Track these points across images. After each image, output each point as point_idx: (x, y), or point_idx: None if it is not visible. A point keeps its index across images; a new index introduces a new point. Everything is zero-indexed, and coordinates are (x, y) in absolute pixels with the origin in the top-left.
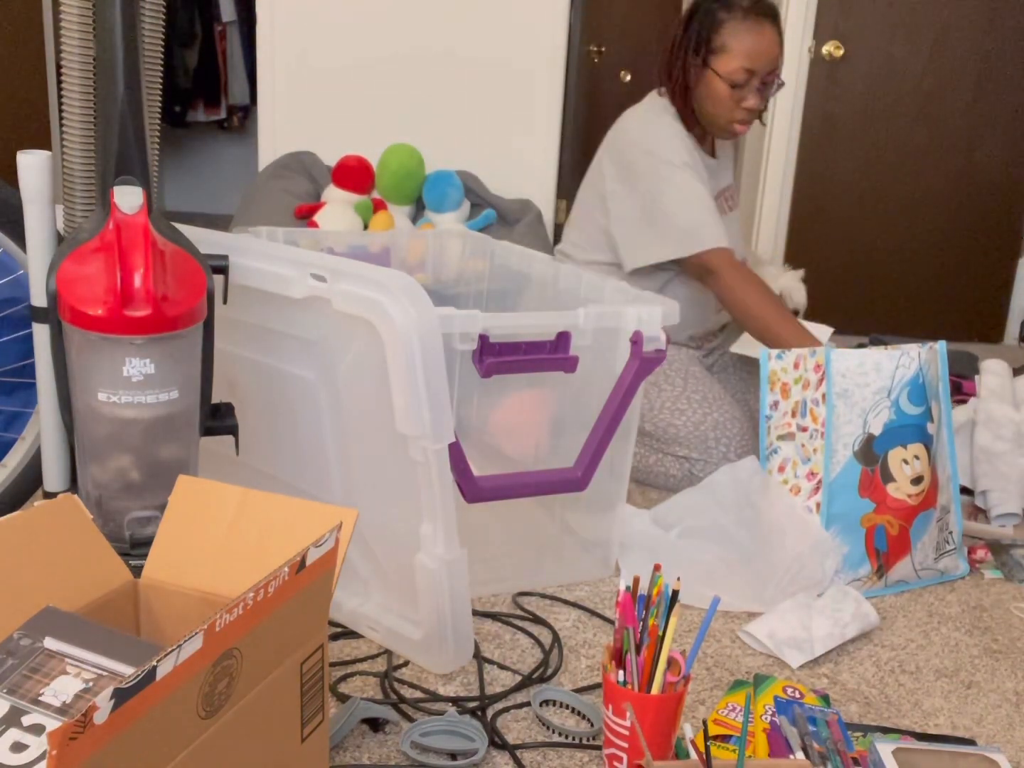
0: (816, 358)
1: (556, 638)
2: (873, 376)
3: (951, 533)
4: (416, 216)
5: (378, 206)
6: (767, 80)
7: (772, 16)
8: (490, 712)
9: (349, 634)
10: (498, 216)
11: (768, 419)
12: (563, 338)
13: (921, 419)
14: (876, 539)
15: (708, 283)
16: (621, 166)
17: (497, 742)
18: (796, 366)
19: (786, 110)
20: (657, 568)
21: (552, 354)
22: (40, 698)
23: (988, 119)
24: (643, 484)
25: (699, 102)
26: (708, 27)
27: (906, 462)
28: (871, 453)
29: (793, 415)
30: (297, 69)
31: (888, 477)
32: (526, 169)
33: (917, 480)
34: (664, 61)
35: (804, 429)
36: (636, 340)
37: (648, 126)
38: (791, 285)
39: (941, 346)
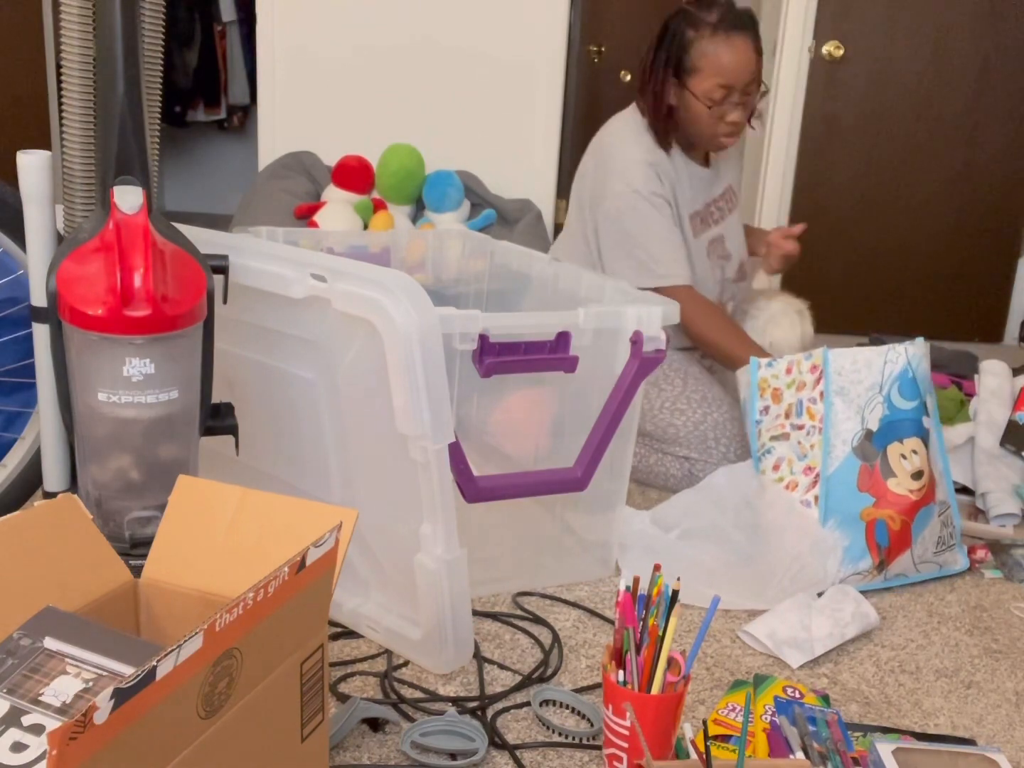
0: (812, 360)
1: (556, 638)
2: (865, 373)
3: (954, 528)
4: (416, 216)
5: (378, 206)
6: (748, 91)
7: (743, 27)
8: (490, 712)
9: (349, 634)
10: (498, 216)
11: (758, 423)
12: (563, 338)
13: (915, 413)
14: (877, 533)
15: None
16: (597, 183)
17: (497, 742)
18: (788, 371)
19: (786, 110)
20: (657, 568)
21: (552, 354)
22: (40, 698)
23: (988, 119)
24: (643, 484)
25: (683, 121)
26: (679, 49)
27: (904, 457)
28: (870, 449)
29: (787, 416)
30: (297, 69)
31: (888, 472)
32: (526, 169)
33: (918, 475)
34: (640, 80)
35: (800, 427)
36: (636, 340)
37: (623, 147)
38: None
39: (919, 343)
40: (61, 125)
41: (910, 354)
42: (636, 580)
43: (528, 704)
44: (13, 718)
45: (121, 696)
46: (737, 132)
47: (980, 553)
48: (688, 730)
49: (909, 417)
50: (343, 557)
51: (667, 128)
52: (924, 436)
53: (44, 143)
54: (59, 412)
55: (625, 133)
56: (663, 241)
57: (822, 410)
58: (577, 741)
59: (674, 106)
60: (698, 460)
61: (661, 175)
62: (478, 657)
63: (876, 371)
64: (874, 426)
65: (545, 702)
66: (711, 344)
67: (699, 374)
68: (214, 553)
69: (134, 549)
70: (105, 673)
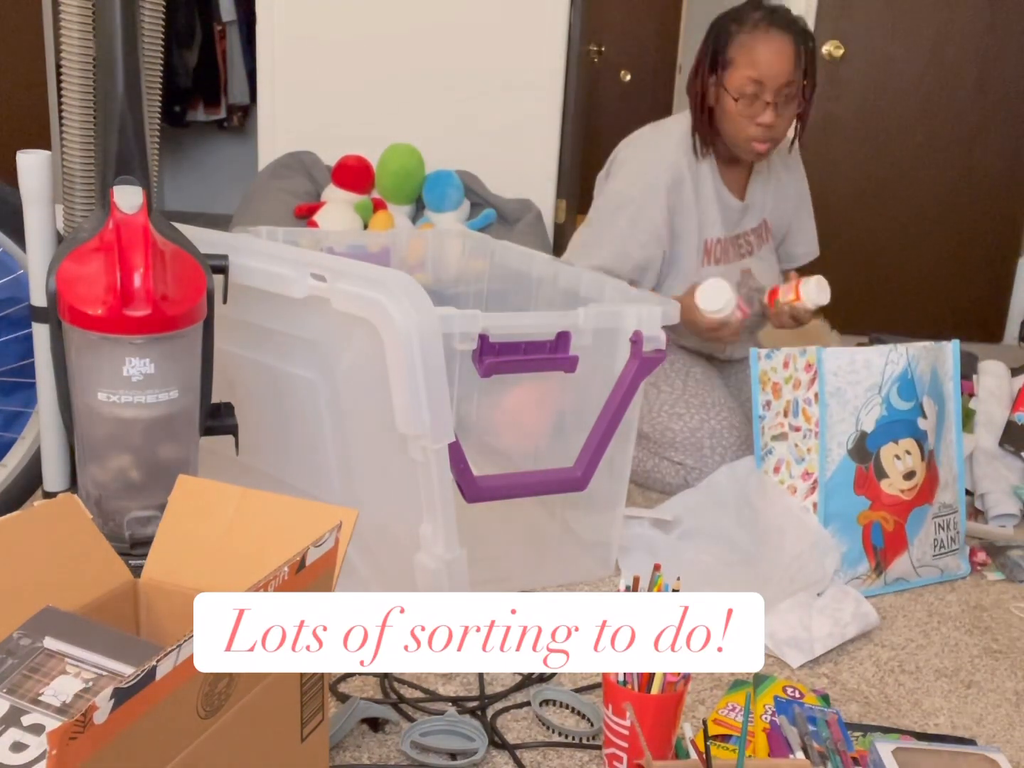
0: (807, 357)
1: None
2: (864, 373)
3: (957, 533)
4: (416, 216)
5: (378, 206)
6: (783, 94)
7: (785, 26)
8: (490, 712)
9: None
10: (498, 216)
11: (762, 419)
12: (563, 338)
13: (911, 414)
14: (873, 536)
15: None
16: (615, 164)
17: (497, 742)
18: (785, 365)
19: None
20: (657, 568)
21: (552, 354)
22: (40, 698)
23: (988, 119)
24: (642, 486)
25: (719, 122)
26: (719, 43)
27: (898, 457)
28: (864, 450)
29: (785, 415)
30: (297, 69)
31: (881, 473)
32: (526, 169)
33: (909, 475)
34: (688, 82)
35: (797, 429)
36: (636, 340)
37: (656, 139)
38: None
39: (954, 345)
40: (61, 125)
41: (910, 355)
42: (636, 580)
43: (528, 704)
44: (13, 718)
45: (121, 696)
46: (770, 137)
47: (981, 556)
48: (688, 730)
49: (906, 418)
50: (343, 557)
51: (707, 132)
52: (919, 437)
53: (44, 143)
54: (59, 412)
55: (657, 134)
56: (618, 235)
57: (817, 413)
58: (577, 741)
59: (713, 107)
60: (693, 468)
61: (678, 186)
62: None
63: (876, 372)
64: (869, 427)
65: (545, 702)
66: None
67: (701, 375)
68: (214, 553)
69: (134, 549)
70: (105, 673)
